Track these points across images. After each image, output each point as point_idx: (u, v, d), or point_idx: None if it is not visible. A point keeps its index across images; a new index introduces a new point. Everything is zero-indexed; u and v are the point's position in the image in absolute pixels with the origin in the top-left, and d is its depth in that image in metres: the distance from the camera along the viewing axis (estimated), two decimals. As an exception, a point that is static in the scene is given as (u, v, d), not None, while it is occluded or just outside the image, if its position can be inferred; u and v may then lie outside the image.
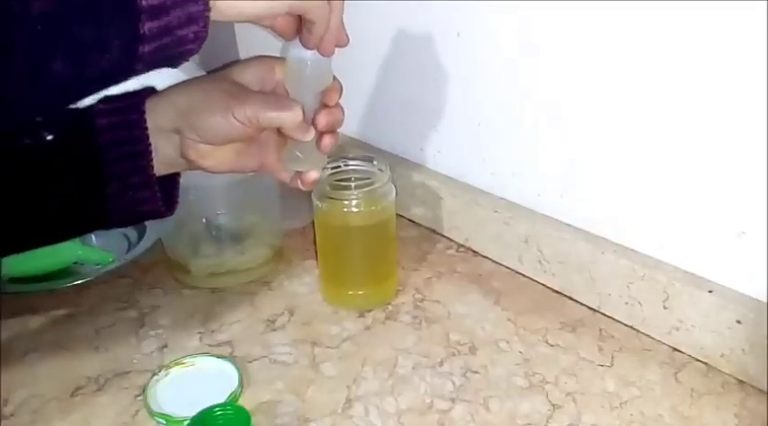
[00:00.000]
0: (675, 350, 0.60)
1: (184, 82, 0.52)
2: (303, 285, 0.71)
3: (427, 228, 0.81)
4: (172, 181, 0.54)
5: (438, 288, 0.71)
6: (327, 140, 0.52)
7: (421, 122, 0.80)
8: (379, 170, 0.65)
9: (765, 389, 0.55)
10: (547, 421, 0.53)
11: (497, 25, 0.67)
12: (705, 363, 0.58)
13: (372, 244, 0.67)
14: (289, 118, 0.48)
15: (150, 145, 0.50)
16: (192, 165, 0.52)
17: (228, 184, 0.69)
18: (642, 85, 0.57)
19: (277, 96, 0.51)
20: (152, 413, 0.54)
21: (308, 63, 0.48)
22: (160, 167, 0.51)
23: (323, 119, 0.50)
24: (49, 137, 0.49)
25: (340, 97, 0.52)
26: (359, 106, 0.88)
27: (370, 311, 0.67)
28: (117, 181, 0.51)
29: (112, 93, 0.49)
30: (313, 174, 0.53)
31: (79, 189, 0.51)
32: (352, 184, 0.64)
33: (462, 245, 0.77)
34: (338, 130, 0.53)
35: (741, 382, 0.56)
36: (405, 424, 0.54)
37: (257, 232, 0.75)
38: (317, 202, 0.65)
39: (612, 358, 0.60)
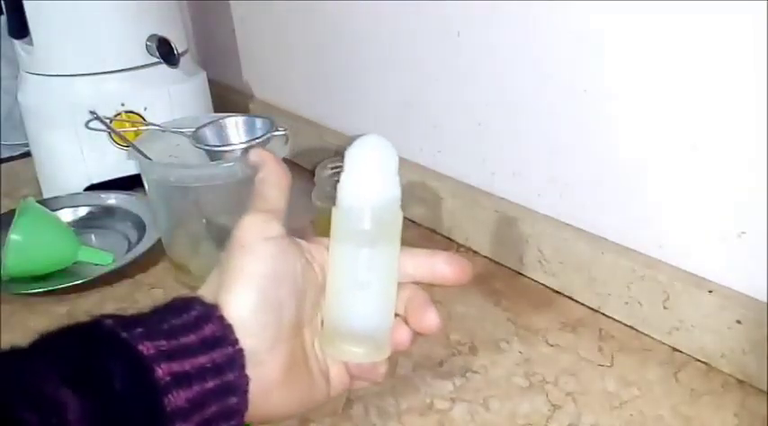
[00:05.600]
0: (675, 350, 0.60)
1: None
2: (303, 285, 0.71)
3: (427, 228, 0.81)
4: None
5: (438, 288, 0.70)
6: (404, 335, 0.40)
7: (421, 122, 0.80)
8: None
9: (765, 389, 0.55)
10: (547, 421, 0.53)
11: (497, 25, 0.67)
12: (705, 363, 0.58)
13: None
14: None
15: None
16: None
17: (228, 184, 0.69)
18: (642, 85, 0.57)
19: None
20: (152, 413, 0.54)
21: (369, 212, 0.36)
22: None
23: (402, 333, 0.40)
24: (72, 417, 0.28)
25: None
26: (359, 106, 0.88)
27: (370, 311, 0.67)
28: None
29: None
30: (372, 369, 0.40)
31: None
32: (353, 184, 0.64)
33: (462, 245, 0.77)
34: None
35: (741, 382, 0.56)
36: (405, 424, 0.54)
37: (257, 232, 0.75)
38: (317, 202, 0.65)
39: (612, 358, 0.60)
